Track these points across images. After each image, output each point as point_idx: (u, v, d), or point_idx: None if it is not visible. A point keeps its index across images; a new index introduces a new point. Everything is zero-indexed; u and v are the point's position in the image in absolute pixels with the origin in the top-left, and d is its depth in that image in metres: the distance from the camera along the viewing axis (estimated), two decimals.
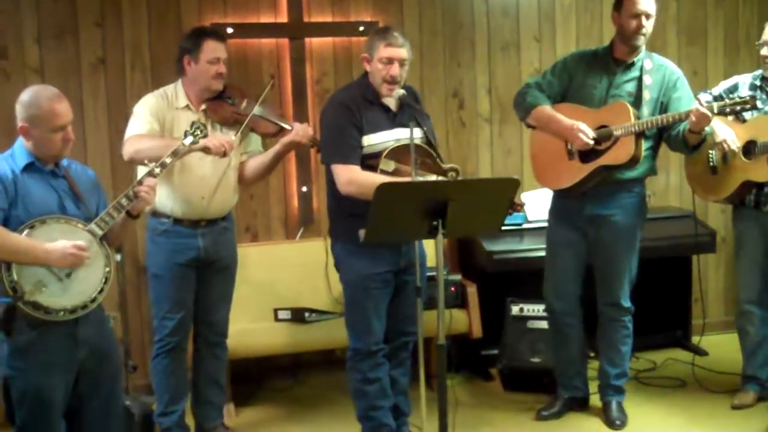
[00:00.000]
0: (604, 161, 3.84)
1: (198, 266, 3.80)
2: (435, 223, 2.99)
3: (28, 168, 2.92)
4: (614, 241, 3.98)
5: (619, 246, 3.99)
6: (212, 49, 3.71)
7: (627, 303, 4.08)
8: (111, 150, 4.55)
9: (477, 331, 4.58)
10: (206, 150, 3.52)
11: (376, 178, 3.32)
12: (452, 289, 4.56)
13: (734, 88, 4.16)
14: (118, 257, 4.18)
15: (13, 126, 2.98)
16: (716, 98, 4.11)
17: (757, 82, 4.11)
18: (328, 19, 4.91)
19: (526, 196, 4.70)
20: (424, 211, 2.99)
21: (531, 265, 4.50)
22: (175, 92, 3.79)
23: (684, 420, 4.16)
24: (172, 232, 3.75)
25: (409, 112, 3.47)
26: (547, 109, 3.95)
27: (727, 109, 3.74)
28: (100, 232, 2.94)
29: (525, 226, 4.82)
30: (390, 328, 3.69)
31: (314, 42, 4.90)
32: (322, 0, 4.88)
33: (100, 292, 2.94)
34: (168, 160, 3.20)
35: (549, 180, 4.10)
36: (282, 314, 4.59)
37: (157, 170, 3.12)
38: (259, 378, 4.90)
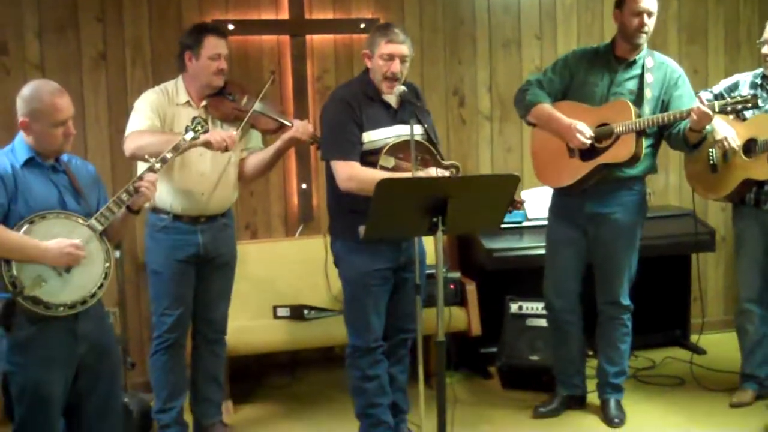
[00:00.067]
0: (605, 159, 3.84)
1: (197, 263, 3.80)
2: (435, 219, 2.99)
3: (29, 163, 2.92)
4: (614, 239, 3.98)
5: (619, 244, 3.99)
6: (213, 45, 3.70)
7: (626, 301, 4.08)
8: (111, 146, 4.55)
9: (476, 329, 4.58)
10: (208, 145, 3.52)
11: (376, 175, 3.32)
12: (451, 286, 4.56)
13: (735, 87, 4.16)
14: (117, 254, 4.17)
15: (14, 121, 2.98)
16: (717, 96, 4.12)
17: (758, 81, 4.11)
18: (329, 16, 4.91)
19: (526, 194, 4.72)
20: (424, 207, 2.99)
21: (530, 263, 4.50)
22: (176, 88, 3.78)
23: (682, 418, 4.16)
24: (171, 228, 3.75)
25: (409, 108, 3.46)
26: (546, 107, 3.95)
27: (729, 108, 3.75)
28: (100, 228, 2.94)
29: (525, 223, 4.81)
30: (389, 326, 3.68)
31: (315, 39, 4.89)
32: None
33: (100, 287, 2.93)
34: (169, 156, 3.19)
35: (549, 178, 4.10)
36: (281, 311, 4.59)
37: (158, 165, 3.12)
38: (258, 375, 4.89)
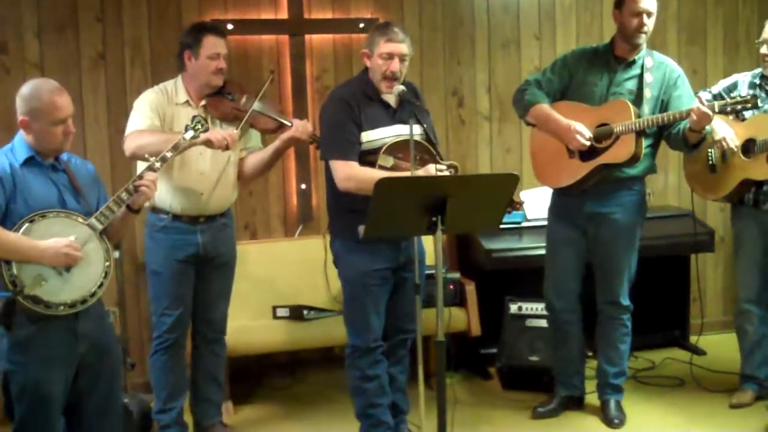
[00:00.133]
0: (605, 159, 3.84)
1: (197, 262, 3.79)
2: (434, 219, 2.99)
3: (28, 162, 2.91)
4: (614, 239, 3.97)
5: (618, 244, 3.98)
6: (212, 44, 3.70)
7: (626, 301, 4.07)
8: (110, 145, 4.55)
9: (476, 330, 4.58)
10: (208, 143, 3.52)
11: (375, 174, 3.31)
12: (451, 287, 4.55)
13: (733, 87, 4.16)
14: (117, 254, 4.15)
15: (13, 120, 2.98)
16: (716, 97, 4.12)
17: (757, 81, 4.11)
18: (329, 15, 4.91)
19: (525, 195, 4.71)
20: (423, 206, 2.99)
21: (530, 264, 4.50)
22: (175, 88, 3.78)
23: (682, 419, 4.15)
24: (171, 228, 3.74)
25: (408, 108, 3.46)
26: (545, 107, 3.95)
27: (729, 108, 3.75)
28: (100, 227, 2.94)
29: (524, 224, 4.81)
30: (389, 326, 3.68)
31: (314, 39, 4.89)
32: None
33: (100, 286, 2.93)
34: (169, 155, 3.19)
35: (549, 178, 4.09)
36: (280, 312, 4.59)
37: (158, 164, 3.12)
38: (258, 376, 4.89)
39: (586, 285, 4.11)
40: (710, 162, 4.13)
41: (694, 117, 3.68)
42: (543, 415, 4.17)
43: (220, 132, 3.58)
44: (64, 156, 3.03)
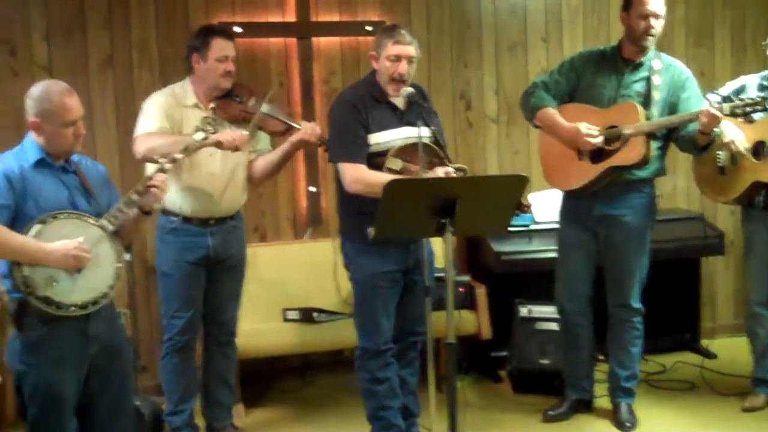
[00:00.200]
0: (615, 161, 3.83)
1: (207, 265, 3.79)
2: (443, 221, 2.98)
3: (39, 163, 2.91)
4: (624, 241, 3.96)
5: (629, 246, 3.97)
6: (221, 47, 3.71)
7: (637, 304, 4.05)
8: (119, 148, 4.55)
9: (486, 333, 4.57)
10: (219, 145, 3.52)
11: (383, 177, 3.30)
12: (461, 290, 4.54)
13: (741, 89, 4.14)
14: (128, 256, 4.15)
15: (22, 122, 2.98)
16: (724, 99, 4.08)
17: (766, 83, 4.08)
18: (336, 18, 4.91)
19: (533, 197, 4.69)
20: (432, 208, 2.99)
21: (539, 267, 4.50)
22: (184, 90, 3.78)
23: (694, 423, 4.13)
24: (181, 230, 3.74)
25: (417, 110, 3.46)
26: (550, 112, 3.93)
27: (738, 110, 3.73)
28: (111, 228, 2.93)
29: (533, 227, 4.80)
30: (399, 328, 3.67)
31: (322, 41, 4.89)
32: None
33: (111, 287, 2.92)
34: (179, 156, 3.18)
35: (558, 180, 4.08)
36: (290, 314, 4.58)
37: (168, 166, 3.10)
38: (269, 379, 4.88)
39: (597, 288, 4.10)
40: (719, 164, 4.11)
41: (704, 119, 3.66)
42: (554, 418, 4.16)
43: (230, 133, 3.57)
44: (75, 157, 3.02)
